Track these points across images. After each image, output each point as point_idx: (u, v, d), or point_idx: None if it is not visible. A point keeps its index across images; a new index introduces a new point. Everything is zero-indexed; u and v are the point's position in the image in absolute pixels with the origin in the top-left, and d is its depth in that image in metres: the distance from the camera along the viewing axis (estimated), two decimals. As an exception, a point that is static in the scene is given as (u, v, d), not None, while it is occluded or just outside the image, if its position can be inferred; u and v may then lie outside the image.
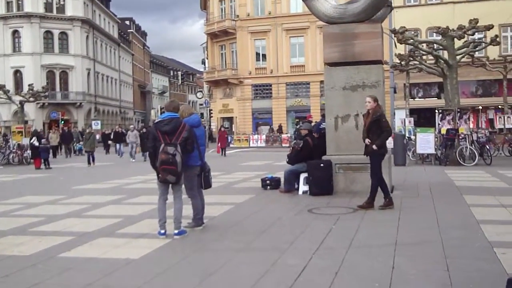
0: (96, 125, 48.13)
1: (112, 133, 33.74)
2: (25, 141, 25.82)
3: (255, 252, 6.21)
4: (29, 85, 34.50)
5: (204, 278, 5.17)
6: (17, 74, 54.60)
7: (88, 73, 60.27)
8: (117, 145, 30.30)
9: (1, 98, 32.20)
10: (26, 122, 37.22)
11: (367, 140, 8.87)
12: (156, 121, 7.45)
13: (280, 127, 44.90)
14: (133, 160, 25.70)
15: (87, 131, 25.76)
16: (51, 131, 33.80)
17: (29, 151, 24.57)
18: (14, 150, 26.14)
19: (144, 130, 29.50)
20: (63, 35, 57.32)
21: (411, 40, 21.69)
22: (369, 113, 8.91)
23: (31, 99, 31.91)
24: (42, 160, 22.44)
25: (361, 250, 6.13)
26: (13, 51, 55.46)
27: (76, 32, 57.61)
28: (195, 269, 5.58)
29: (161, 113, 7.17)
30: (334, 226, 7.54)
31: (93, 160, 23.67)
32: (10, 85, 47.83)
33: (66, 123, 48.83)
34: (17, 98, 32.03)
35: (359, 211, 8.69)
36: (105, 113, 66.12)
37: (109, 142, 33.54)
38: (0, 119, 51.58)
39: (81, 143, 31.27)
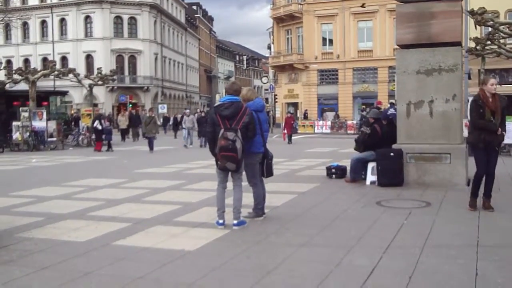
0: (163, 109, 48.89)
1: (180, 118, 33.49)
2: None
3: (318, 249, 5.71)
4: (98, 68, 35.30)
5: (262, 277, 4.73)
6: (89, 59, 56.25)
7: (156, 58, 61.26)
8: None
9: (72, 81, 33.06)
10: (96, 105, 38.25)
11: (500, 130, 7.53)
12: (216, 104, 7.05)
13: (305, 113, 44.44)
14: (191, 146, 24.48)
15: (148, 114, 23.68)
16: (119, 114, 34.02)
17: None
18: (83, 132, 26.80)
19: (203, 114, 28.69)
20: (132, 20, 58.45)
21: (491, 22, 20.22)
22: (495, 98, 7.55)
23: (100, 82, 32.59)
24: (106, 143, 22.76)
25: (437, 250, 5.50)
26: (85, 36, 57.17)
27: (144, 17, 58.58)
28: (253, 265, 5.16)
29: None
30: (406, 222, 6.91)
31: (152, 147, 21.52)
32: (82, 69, 49.39)
33: (134, 107, 49.81)
34: (87, 82, 32.82)
35: (432, 206, 7.98)
36: (171, 97, 67.13)
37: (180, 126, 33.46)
38: (72, 101, 53.34)
39: None
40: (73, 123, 30.25)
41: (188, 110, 29.02)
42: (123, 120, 31.10)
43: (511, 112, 7.55)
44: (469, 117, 8.49)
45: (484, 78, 7.77)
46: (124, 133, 31.03)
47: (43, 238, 6.37)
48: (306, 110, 46.12)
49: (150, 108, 30.90)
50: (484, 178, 7.65)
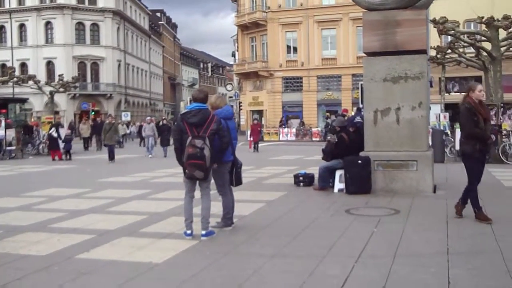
0: (126, 117, 48.17)
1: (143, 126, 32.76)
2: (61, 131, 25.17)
3: (290, 259, 5.59)
4: (59, 75, 34.55)
5: (234, 290, 4.59)
6: (49, 65, 55.03)
7: (119, 65, 60.41)
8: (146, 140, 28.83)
9: (32, 88, 32.22)
10: (57, 112, 37.38)
11: (492, 137, 7.44)
12: (183, 112, 6.87)
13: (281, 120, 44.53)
14: (150, 156, 22.69)
15: (107, 121, 21.90)
16: (81, 122, 32.80)
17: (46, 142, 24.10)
18: (44, 141, 26.08)
19: (164, 121, 27.32)
20: (95, 27, 57.53)
21: (452, 31, 20.65)
22: (483, 104, 7.40)
23: (61, 89, 31.87)
24: (64, 152, 22.11)
25: (409, 259, 5.46)
26: (45, 42, 55.95)
27: (107, 23, 57.75)
28: (223, 277, 5.00)
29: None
30: (376, 230, 6.87)
31: (113, 157, 20.19)
32: (42, 76, 48.16)
33: (97, 114, 48.91)
34: (48, 89, 32.02)
35: (401, 213, 7.99)
36: (135, 105, 66.28)
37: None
38: (33, 109, 51.99)
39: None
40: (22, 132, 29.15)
41: (148, 118, 27.17)
42: (85, 128, 30.23)
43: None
44: (459, 126, 8.33)
45: (470, 85, 7.50)
46: (86, 141, 30.28)
47: (1, 252, 6.05)
48: (282, 117, 45.81)
49: (108, 114, 28.99)
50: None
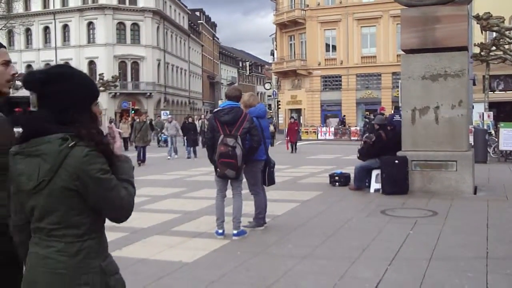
0: (165, 115, 48.71)
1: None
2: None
3: (321, 261, 5.48)
4: (99, 74, 35.25)
5: (262, 291, 4.52)
6: (91, 65, 56.19)
7: (159, 64, 61.16)
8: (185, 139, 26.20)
9: (74, 87, 33.01)
10: (98, 111, 38.10)
11: None
12: (215, 110, 6.85)
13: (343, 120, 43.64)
14: (171, 157, 20.70)
15: (137, 119, 19.50)
16: (121, 121, 31.90)
17: None
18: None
19: (190, 120, 24.67)
20: (135, 26, 58.38)
21: (497, 27, 20.01)
22: None
23: (101, 88, 32.51)
24: None
25: (445, 263, 5.27)
26: (88, 42, 57.11)
27: (147, 23, 58.52)
28: (252, 278, 4.93)
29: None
30: (412, 232, 6.68)
31: (144, 158, 18.09)
32: (84, 75, 49.24)
33: (137, 113, 49.68)
34: (89, 88, 32.73)
35: (439, 215, 7.75)
36: (174, 103, 66.99)
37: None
38: (75, 108, 53.18)
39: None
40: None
41: (170, 116, 25.23)
42: (125, 128, 29.30)
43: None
44: None
45: None
46: (126, 141, 29.58)
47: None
48: (344, 115, 45.28)
49: (137, 111, 27.03)
50: None
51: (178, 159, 20.64)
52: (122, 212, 2.02)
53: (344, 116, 44.68)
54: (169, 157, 20.84)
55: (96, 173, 1.90)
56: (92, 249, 1.97)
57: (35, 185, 1.91)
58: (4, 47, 2.48)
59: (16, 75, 2.50)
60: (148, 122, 22.10)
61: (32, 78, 1.97)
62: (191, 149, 21.36)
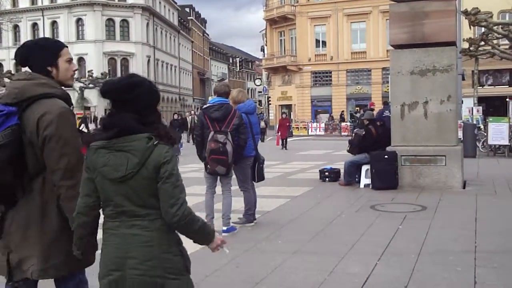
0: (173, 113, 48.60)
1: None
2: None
3: (311, 256, 5.49)
4: (88, 71, 35.06)
5: (252, 287, 4.51)
6: (81, 61, 55.86)
7: (148, 60, 60.94)
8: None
9: (63, 84, 32.78)
10: (88, 108, 37.96)
11: None
12: (205, 106, 6.83)
13: (341, 114, 43.58)
14: None
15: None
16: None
17: None
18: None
19: (175, 116, 24.68)
20: (124, 23, 58.11)
21: (485, 22, 20.10)
22: None
23: (90, 85, 32.32)
24: None
25: (434, 257, 5.29)
26: (77, 38, 56.77)
27: (136, 19, 58.28)
28: (242, 274, 4.93)
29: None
30: (401, 227, 6.71)
31: None
32: (73, 72, 48.98)
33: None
34: (78, 85, 32.51)
35: (428, 209, 7.79)
36: (164, 100, 66.75)
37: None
38: (64, 105, 52.90)
39: None
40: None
41: None
42: None
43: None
44: None
45: None
46: None
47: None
48: (343, 111, 45.18)
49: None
50: None
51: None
52: (178, 205, 2.32)
53: (343, 111, 44.61)
54: None
55: (172, 169, 2.34)
56: (169, 225, 2.36)
57: (122, 175, 2.30)
58: (67, 46, 2.88)
59: (76, 70, 2.96)
60: None
61: (113, 87, 2.38)
62: (179, 146, 20.77)
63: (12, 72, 28.12)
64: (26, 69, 2.81)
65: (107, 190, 2.35)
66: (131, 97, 2.34)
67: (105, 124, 2.38)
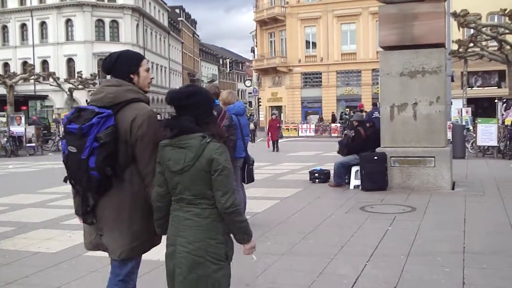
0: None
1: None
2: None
3: (300, 258, 5.48)
4: (78, 72, 34.86)
5: (241, 289, 4.50)
6: (70, 62, 55.56)
7: (138, 62, 60.70)
8: None
9: (52, 85, 32.57)
10: (77, 109, 37.64)
11: None
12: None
13: (333, 115, 43.68)
14: None
15: None
16: None
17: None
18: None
19: (158, 117, 24.69)
20: (114, 23, 57.83)
21: (474, 24, 20.24)
22: None
23: (80, 86, 32.15)
24: None
25: (423, 258, 5.31)
26: (66, 39, 56.39)
27: (126, 20, 58.02)
28: (232, 275, 4.90)
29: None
30: (390, 228, 6.73)
31: None
32: (63, 73, 48.70)
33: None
34: (67, 86, 32.31)
35: (417, 210, 7.82)
36: (154, 101, 66.58)
37: None
38: (53, 106, 52.61)
39: None
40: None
41: None
42: None
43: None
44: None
45: None
46: None
47: (11, 249, 6.07)
48: (333, 112, 45.13)
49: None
50: None
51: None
52: (228, 195, 2.72)
53: (333, 113, 44.69)
54: None
55: (223, 162, 2.73)
56: (218, 216, 2.77)
57: (181, 168, 2.75)
58: (145, 58, 3.42)
59: (152, 78, 3.47)
60: None
61: (175, 96, 2.87)
62: None
63: (0, 73, 27.83)
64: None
65: (172, 180, 2.82)
66: (189, 103, 2.82)
67: (169, 125, 2.85)
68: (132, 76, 3.16)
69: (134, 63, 3.21)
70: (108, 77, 3.26)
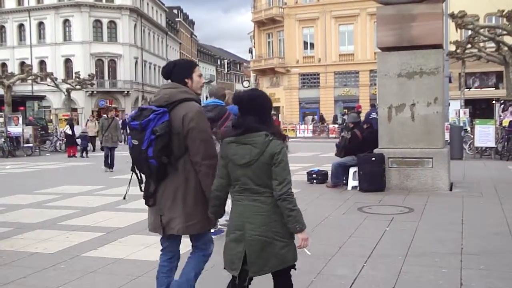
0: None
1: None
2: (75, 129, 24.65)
3: (298, 258, 5.46)
4: (75, 73, 34.81)
5: (239, 290, 4.49)
6: (68, 63, 55.47)
7: (136, 62, 60.64)
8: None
9: (50, 85, 32.52)
10: (75, 110, 37.70)
11: None
12: (199, 106, 6.77)
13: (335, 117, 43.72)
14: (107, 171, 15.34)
15: (105, 115, 16.03)
16: (89, 119, 27.28)
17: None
18: (61, 138, 26.29)
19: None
20: (112, 24, 57.74)
21: (471, 25, 20.28)
22: None
23: (78, 87, 32.13)
24: (80, 149, 22.40)
25: (421, 259, 5.32)
26: (64, 40, 56.30)
27: (124, 20, 57.95)
28: (228, 276, 4.90)
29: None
30: (388, 229, 6.73)
31: (112, 163, 15.12)
32: (60, 74, 48.66)
33: (105, 109, 49.05)
34: (65, 86, 32.26)
35: (415, 211, 7.82)
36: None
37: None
38: (51, 106, 52.56)
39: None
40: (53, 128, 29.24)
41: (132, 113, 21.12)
42: (91, 126, 24.52)
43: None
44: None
45: None
46: (93, 141, 25.42)
47: (9, 250, 6.05)
48: (322, 113, 45.10)
49: (106, 107, 22.76)
50: None
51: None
52: (284, 184, 3.11)
53: (344, 113, 44.63)
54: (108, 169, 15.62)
55: (282, 156, 3.12)
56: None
57: (247, 162, 3.14)
58: (198, 65, 3.92)
59: (204, 83, 3.98)
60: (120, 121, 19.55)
61: (244, 98, 3.26)
62: None
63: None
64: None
65: (235, 173, 3.20)
66: (253, 105, 3.22)
67: (235, 124, 3.27)
68: (186, 80, 3.66)
69: (188, 69, 3.72)
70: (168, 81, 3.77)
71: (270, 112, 3.36)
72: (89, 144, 24.08)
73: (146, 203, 3.70)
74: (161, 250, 3.95)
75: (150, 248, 6.01)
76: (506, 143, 17.14)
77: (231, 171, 3.23)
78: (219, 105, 6.41)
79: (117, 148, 15.63)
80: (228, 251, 3.34)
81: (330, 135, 37.90)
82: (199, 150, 3.49)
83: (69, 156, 21.91)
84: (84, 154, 22.17)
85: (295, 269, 3.51)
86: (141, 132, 3.43)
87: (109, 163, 15.17)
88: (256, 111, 3.21)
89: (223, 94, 6.65)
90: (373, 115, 13.11)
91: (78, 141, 23.42)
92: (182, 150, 3.52)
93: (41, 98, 36.51)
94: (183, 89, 3.61)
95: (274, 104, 49.27)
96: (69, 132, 22.53)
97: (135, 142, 3.48)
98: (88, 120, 27.54)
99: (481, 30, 21.63)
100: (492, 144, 17.40)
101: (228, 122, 6.28)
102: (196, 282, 3.88)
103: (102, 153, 15.93)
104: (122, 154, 18.11)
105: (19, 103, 27.64)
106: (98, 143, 22.48)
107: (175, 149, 3.49)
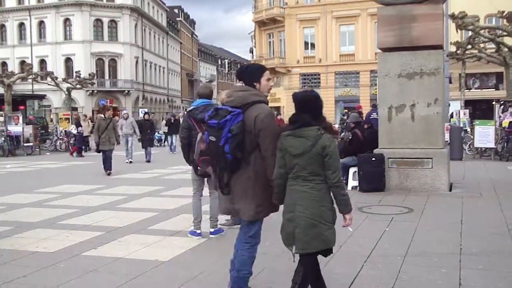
0: (143, 113, 48.36)
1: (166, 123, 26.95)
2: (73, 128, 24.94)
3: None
4: (76, 72, 34.81)
5: (239, 289, 4.50)
6: (68, 62, 55.52)
7: (136, 61, 60.71)
8: (170, 138, 24.64)
9: (50, 85, 32.52)
10: (75, 109, 37.68)
11: None
12: (189, 109, 6.78)
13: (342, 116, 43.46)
14: (127, 161, 17.67)
15: (101, 116, 14.75)
16: (82, 119, 26.70)
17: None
18: (61, 137, 26.30)
19: (146, 117, 21.11)
20: (113, 23, 57.82)
21: (472, 26, 20.28)
22: None
23: (78, 86, 32.14)
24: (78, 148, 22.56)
25: (420, 259, 5.33)
26: (64, 39, 56.38)
27: (125, 20, 58.01)
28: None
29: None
30: (388, 229, 6.74)
31: (109, 166, 14.22)
32: (61, 73, 48.68)
33: (114, 110, 49.17)
34: (65, 85, 32.27)
35: (415, 212, 7.83)
36: (152, 101, 66.58)
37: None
38: (51, 106, 52.58)
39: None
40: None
41: (125, 112, 21.38)
42: (85, 126, 24.53)
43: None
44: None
45: None
46: (87, 140, 25.21)
47: (9, 249, 6.06)
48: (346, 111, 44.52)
49: (103, 106, 20.35)
50: None
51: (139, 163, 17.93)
52: (336, 173, 3.62)
53: (344, 113, 44.46)
54: (127, 161, 17.84)
55: (333, 149, 3.62)
56: (327, 189, 3.66)
57: (301, 152, 3.63)
58: (267, 70, 4.36)
59: (272, 86, 4.46)
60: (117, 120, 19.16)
61: (302, 98, 3.83)
62: (146, 150, 18.99)
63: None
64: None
65: (291, 162, 3.70)
66: (308, 104, 3.77)
67: (292, 120, 3.78)
68: (255, 84, 4.08)
69: (258, 74, 4.14)
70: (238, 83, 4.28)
71: (321, 110, 3.82)
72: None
73: (222, 192, 4.11)
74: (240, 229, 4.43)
75: (150, 247, 6.03)
76: (505, 144, 17.13)
77: (287, 160, 3.71)
78: (209, 104, 6.40)
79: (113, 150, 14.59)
80: (284, 229, 3.85)
81: (330, 135, 37.84)
82: (269, 146, 3.91)
83: (71, 155, 22.03)
84: (80, 153, 22.20)
85: (332, 253, 4.01)
86: (219, 130, 3.85)
87: (108, 166, 14.19)
88: (309, 109, 3.74)
89: (207, 92, 6.62)
90: (374, 115, 13.11)
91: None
92: (253, 146, 3.95)
93: (41, 97, 36.48)
94: (254, 91, 4.04)
95: (275, 104, 49.37)
96: (74, 131, 22.77)
97: (213, 138, 3.90)
98: (81, 119, 26.53)
99: (482, 31, 21.63)
100: (491, 144, 17.40)
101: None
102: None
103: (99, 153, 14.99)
104: (121, 154, 18.22)
105: (19, 102, 27.63)
106: (92, 143, 22.03)
107: (247, 145, 3.93)
